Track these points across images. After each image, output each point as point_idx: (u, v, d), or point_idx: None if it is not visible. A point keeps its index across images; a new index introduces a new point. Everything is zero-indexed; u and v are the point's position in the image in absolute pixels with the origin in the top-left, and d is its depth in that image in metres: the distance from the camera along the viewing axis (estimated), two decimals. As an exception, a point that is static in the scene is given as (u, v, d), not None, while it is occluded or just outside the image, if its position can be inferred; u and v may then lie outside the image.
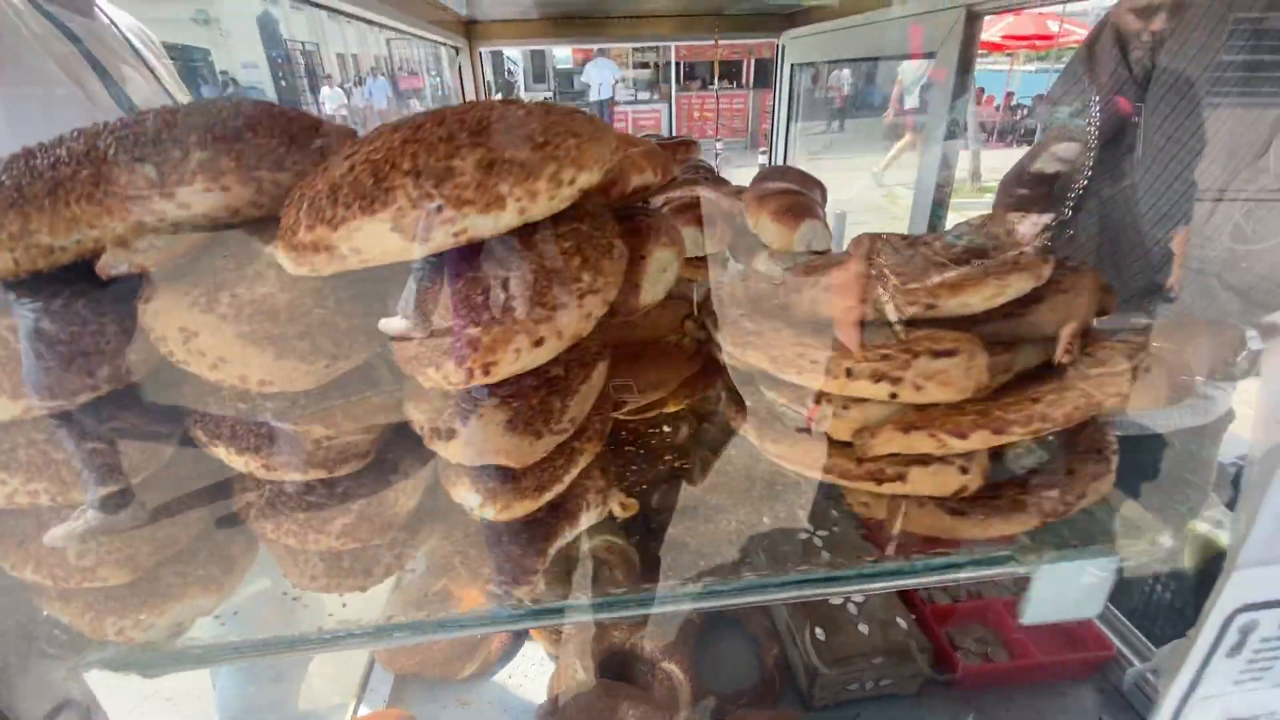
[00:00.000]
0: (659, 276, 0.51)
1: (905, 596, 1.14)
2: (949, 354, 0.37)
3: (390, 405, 0.34)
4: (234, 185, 0.30)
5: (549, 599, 0.39)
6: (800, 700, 1.05)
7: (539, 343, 0.32)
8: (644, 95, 11.39)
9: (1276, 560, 0.45)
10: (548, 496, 0.37)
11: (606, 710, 0.80)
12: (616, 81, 9.00)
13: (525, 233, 0.33)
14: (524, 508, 0.36)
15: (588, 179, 0.33)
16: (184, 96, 1.24)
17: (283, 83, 14.70)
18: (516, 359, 0.31)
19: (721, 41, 2.39)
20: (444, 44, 2.28)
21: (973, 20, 1.43)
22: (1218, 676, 0.50)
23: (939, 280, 0.39)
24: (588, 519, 0.41)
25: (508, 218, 0.30)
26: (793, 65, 2.44)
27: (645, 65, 11.83)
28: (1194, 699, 0.51)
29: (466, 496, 0.36)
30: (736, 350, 0.45)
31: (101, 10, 1.08)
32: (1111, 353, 0.43)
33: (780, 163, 2.67)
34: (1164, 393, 0.48)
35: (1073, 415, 0.38)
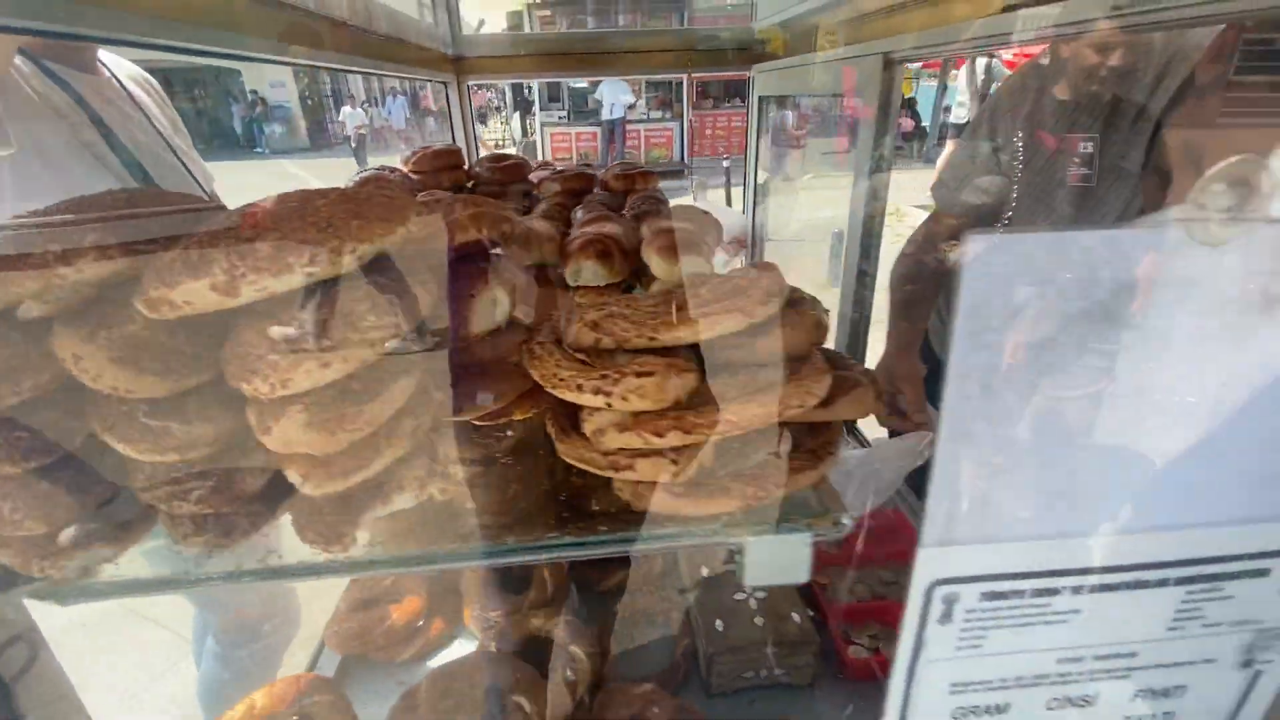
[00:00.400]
0: (489, 310, 0.64)
1: (808, 596, 1.24)
2: (648, 374, 0.49)
3: (231, 405, 0.48)
4: (118, 257, 0.44)
5: (361, 557, 0.52)
6: (702, 687, 1.15)
7: (326, 366, 0.45)
8: (657, 114, 11.62)
9: (954, 542, 0.56)
10: (356, 479, 0.50)
11: (480, 681, 0.91)
12: (628, 103, 9.25)
13: (329, 283, 0.46)
14: (334, 486, 0.49)
15: (369, 249, 0.46)
16: (181, 139, 1.41)
17: (308, 101, 15.33)
18: (307, 378, 0.45)
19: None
20: (431, 80, 2.43)
21: (889, 65, 1.55)
22: (937, 643, 0.61)
23: (658, 319, 0.52)
24: (402, 500, 0.55)
25: (295, 279, 0.43)
26: (760, 97, 2.57)
27: (659, 85, 12.07)
28: (921, 664, 0.62)
29: (293, 476, 0.50)
30: (530, 369, 0.58)
31: (103, 63, 1.25)
32: (813, 374, 0.55)
33: (754, 186, 2.78)
34: (871, 406, 0.60)
35: (753, 421, 0.51)
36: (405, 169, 1.52)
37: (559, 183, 1.57)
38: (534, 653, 1.14)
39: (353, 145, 11.93)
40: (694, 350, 0.55)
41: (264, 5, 0.99)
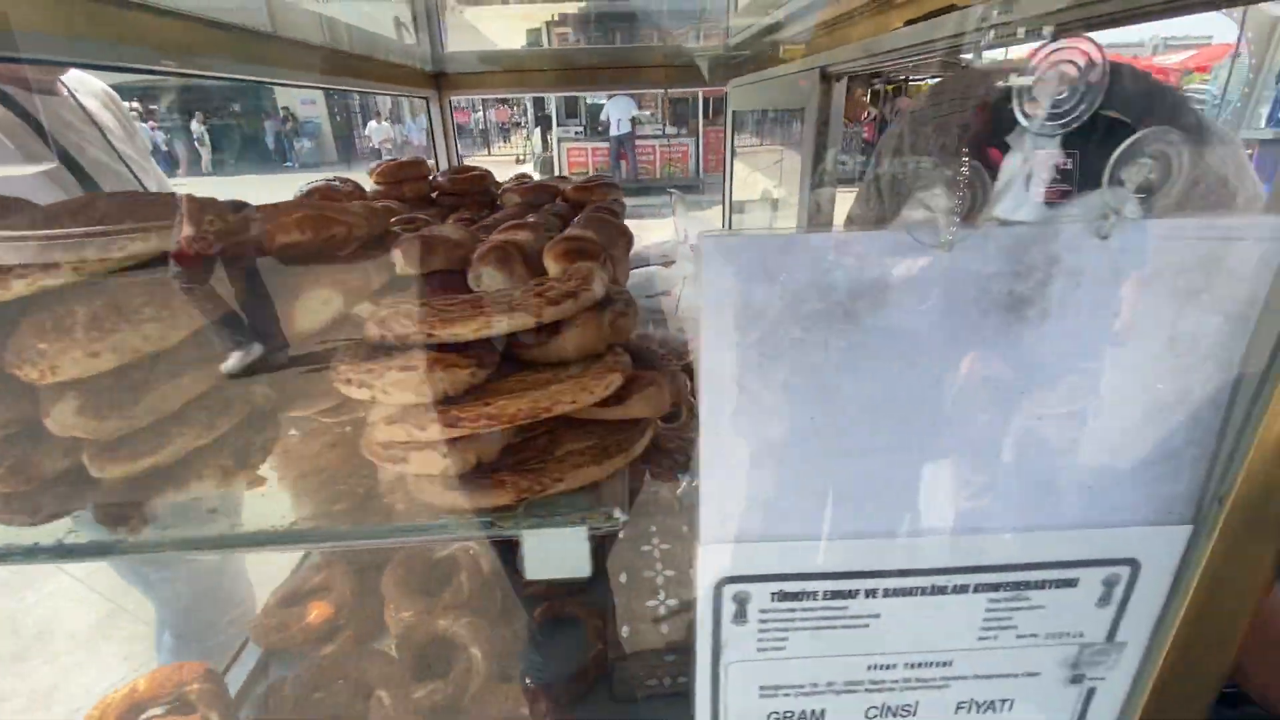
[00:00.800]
0: (319, 309, 0.67)
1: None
2: (410, 369, 0.51)
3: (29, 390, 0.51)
4: None
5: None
6: (609, 693, 1.16)
7: (95, 355, 0.48)
8: (673, 130, 11.73)
9: (736, 539, 0.56)
10: (142, 464, 0.53)
11: (349, 675, 0.93)
12: (634, 118, 9.38)
13: (106, 282, 0.50)
14: (118, 470, 0.52)
15: (142, 248, 0.49)
16: (136, 151, 1.49)
17: (337, 117, 15.84)
18: (75, 365, 0.48)
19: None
20: (412, 96, 2.50)
21: (826, 79, 1.57)
22: (736, 644, 0.61)
23: (434, 315, 0.54)
24: (200, 487, 0.57)
25: (65, 275, 0.47)
26: (733, 112, 2.60)
27: (676, 101, 12.18)
28: (723, 665, 0.62)
29: (85, 459, 0.53)
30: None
31: (63, 83, 1.33)
32: (599, 371, 0.57)
33: (729, 197, 2.80)
34: (662, 405, 0.61)
35: (517, 416, 0.52)
36: (371, 179, 1.58)
37: (519, 194, 1.61)
38: (439, 652, 1.16)
39: (381, 159, 12.28)
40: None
41: (228, 31, 1.05)
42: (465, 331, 0.54)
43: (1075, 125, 0.44)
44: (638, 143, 10.56)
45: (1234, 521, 0.55)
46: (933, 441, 0.54)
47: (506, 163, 14.17)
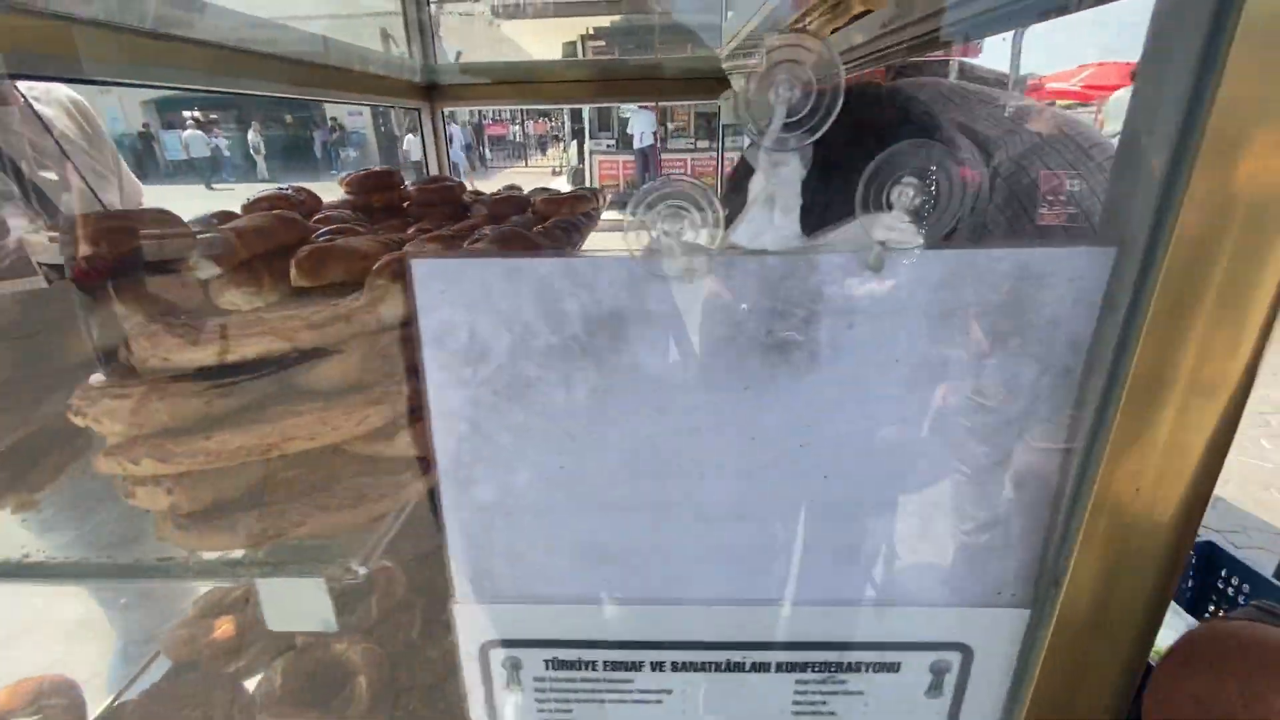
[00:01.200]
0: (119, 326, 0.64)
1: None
2: (123, 397, 0.47)
3: None
4: None
5: None
6: None
7: None
8: (704, 144, 11.70)
9: (488, 599, 0.50)
10: None
11: (194, 698, 0.90)
12: (656, 132, 9.45)
13: None
14: None
15: None
16: (99, 159, 1.52)
17: (382, 129, 16.36)
18: None
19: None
20: (402, 107, 2.52)
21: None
22: (513, 713, 0.55)
23: (175, 337, 0.50)
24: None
25: None
26: (722, 125, 2.55)
27: (705, 114, 12.16)
28: (502, 731, 0.55)
29: None
30: (104, 387, 0.57)
31: (20, 92, 1.37)
32: (355, 406, 0.52)
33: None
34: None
35: (239, 453, 0.48)
36: (342, 189, 1.58)
37: (487, 206, 1.59)
38: (325, 679, 1.12)
39: (422, 172, 12.62)
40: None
41: (208, 48, 1.06)
42: (203, 357, 0.50)
43: (812, 137, 0.37)
44: (669, 155, 10.57)
45: (1073, 608, 0.46)
46: (703, 498, 0.46)
47: (543, 175, 14.36)
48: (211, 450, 0.47)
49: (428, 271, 0.42)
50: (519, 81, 2.56)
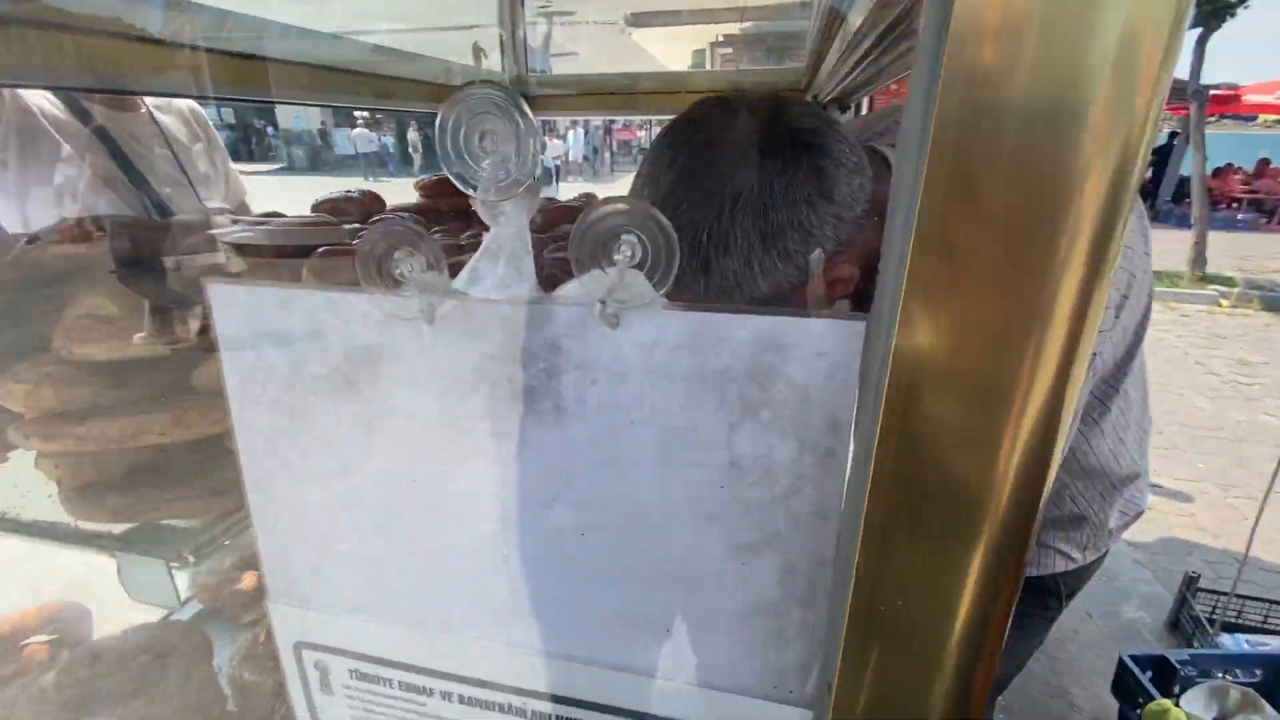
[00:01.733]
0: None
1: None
2: (21, 381, 0.55)
3: None
4: None
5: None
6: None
7: None
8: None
9: (296, 603, 0.52)
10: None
11: None
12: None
13: None
14: None
15: None
16: (211, 165, 1.75)
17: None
18: None
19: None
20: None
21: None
22: (332, 713, 0.57)
23: (76, 334, 0.58)
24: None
25: None
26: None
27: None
28: (325, 729, 0.57)
29: None
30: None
31: (143, 100, 1.60)
32: (196, 409, 0.57)
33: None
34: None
35: (104, 441, 0.54)
36: (417, 193, 1.72)
37: (541, 214, 1.66)
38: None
39: (551, 174, 13.34)
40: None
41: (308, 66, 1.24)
42: (96, 353, 0.57)
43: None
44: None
45: (846, 715, 0.40)
46: (464, 540, 0.46)
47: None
48: (82, 435, 0.54)
49: (222, 295, 0.46)
50: (605, 93, 2.62)
